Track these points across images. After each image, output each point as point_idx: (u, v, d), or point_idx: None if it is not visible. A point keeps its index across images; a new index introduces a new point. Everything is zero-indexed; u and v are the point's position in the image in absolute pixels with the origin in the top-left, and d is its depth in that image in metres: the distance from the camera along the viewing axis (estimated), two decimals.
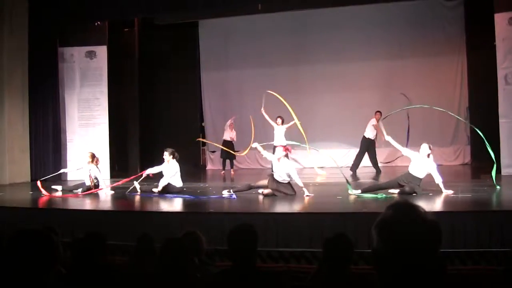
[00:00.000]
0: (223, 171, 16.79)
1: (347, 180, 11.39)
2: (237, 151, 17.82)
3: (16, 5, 15.59)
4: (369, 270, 5.04)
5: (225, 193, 11.65)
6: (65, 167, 15.99)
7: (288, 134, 15.59)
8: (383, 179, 13.38)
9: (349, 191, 10.98)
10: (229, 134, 17.05)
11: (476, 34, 16.52)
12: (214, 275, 4.36)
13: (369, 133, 15.54)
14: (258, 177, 15.32)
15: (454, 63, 17.33)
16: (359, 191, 11.03)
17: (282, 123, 15.64)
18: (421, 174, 10.72)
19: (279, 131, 15.64)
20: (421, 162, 10.75)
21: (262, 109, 15.61)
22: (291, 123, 15.16)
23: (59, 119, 16.29)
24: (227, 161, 17.09)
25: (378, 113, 15.61)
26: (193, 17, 18.31)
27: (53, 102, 16.21)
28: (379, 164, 15.78)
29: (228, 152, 16.69)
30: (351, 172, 15.35)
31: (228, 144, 16.86)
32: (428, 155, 10.79)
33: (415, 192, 10.59)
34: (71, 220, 9.71)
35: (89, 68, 16.58)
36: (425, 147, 10.79)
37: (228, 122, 17.29)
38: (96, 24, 16.35)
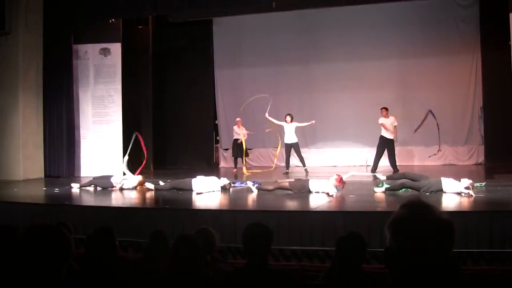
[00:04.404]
0: (235, 169, 16.80)
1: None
2: (249, 149, 17.82)
3: (31, 2, 15.66)
4: (382, 269, 5.04)
5: (250, 183, 12.05)
6: (79, 163, 16.17)
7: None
8: None
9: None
10: (237, 133, 16.95)
11: (491, 33, 16.40)
12: (227, 273, 4.37)
13: (384, 132, 15.37)
14: (271, 175, 15.37)
15: (468, 62, 17.19)
16: (384, 177, 11.37)
17: (291, 120, 15.71)
18: (447, 188, 10.58)
19: (289, 128, 15.69)
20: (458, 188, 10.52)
21: (266, 113, 16.01)
22: (303, 124, 15.70)
23: (73, 116, 16.36)
24: (239, 159, 17.09)
25: (383, 110, 15.44)
26: (207, 15, 18.31)
27: (67, 99, 16.28)
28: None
29: (240, 150, 16.71)
30: (372, 174, 15.15)
31: (240, 143, 16.79)
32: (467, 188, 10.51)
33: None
34: (85, 216, 9.76)
35: (103, 65, 16.63)
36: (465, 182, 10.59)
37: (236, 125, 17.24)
38: (110, 21, 16.37)
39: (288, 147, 15.86)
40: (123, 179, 12.94)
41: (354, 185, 11.88)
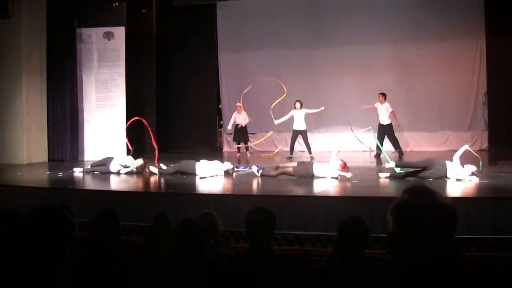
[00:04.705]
0: (238, 154, 16.79)
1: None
2: (253, 134, 17.79)
3: None
4: (384, 255, 5.04)
5: (254, 168, 12.06)
6: (82, 147, 16.19)
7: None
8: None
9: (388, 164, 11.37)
10: (238, 118, 16.81)
11: (496, 18, 16.29)
12: (230, 257, 4.38)
13: (381, 118, 15.48)
14: (273, 159, 15.38)
15: (473, 47, 17.09)
16: (394, 162, 11.43)
17: (301, 107, 15.68)
18: (452, 174, 10.57)
19: (299, 115, 15.67)
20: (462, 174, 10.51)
21: (275, 121, 16.08)
22: (312, 110, 15.76)
23: (76, 100, 16.36)
24: (242, 144, 17.03)
25: (380, 95, 15.55)
26: None
27: (70, 83, 16.29)
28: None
29: (241, 135, 16.66)
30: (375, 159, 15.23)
31: (240, 128, 16.67)
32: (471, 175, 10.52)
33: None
34: (88, 200, 9.78)
35: (106, 49, 16.61)
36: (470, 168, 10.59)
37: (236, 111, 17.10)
38: (114, 5, 16.32)
39: (296, 133, 15.85)
40: (120, 169, 12.88)
41: (358, 169, 11.90)
